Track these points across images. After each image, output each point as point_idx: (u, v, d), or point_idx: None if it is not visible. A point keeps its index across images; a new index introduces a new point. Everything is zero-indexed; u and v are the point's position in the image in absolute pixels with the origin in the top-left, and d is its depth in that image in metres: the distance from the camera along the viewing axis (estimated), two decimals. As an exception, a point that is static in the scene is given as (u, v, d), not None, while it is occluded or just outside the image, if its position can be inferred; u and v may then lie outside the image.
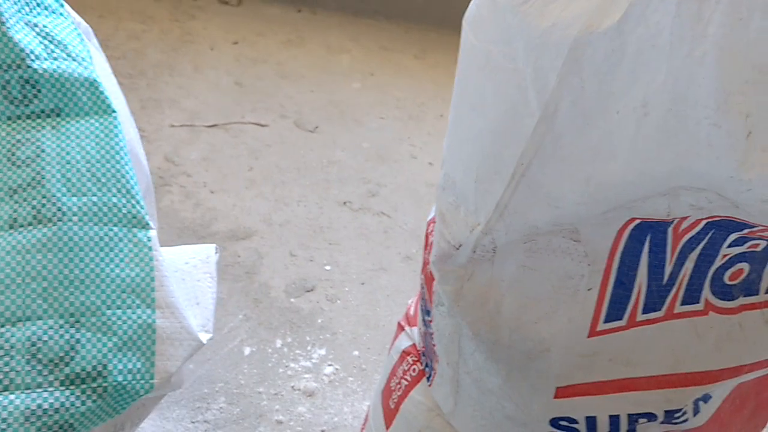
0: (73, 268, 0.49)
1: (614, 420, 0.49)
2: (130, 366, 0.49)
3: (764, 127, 0.34)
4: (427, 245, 0.53)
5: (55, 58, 0.52)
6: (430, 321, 0.54)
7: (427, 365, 0.58)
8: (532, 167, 0.39)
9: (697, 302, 0.45)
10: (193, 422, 0.80)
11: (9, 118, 0.51)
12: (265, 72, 1.39)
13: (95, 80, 0.54)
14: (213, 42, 1.44)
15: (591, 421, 0.49)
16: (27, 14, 0.53)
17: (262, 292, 0.97)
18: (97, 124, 0.53)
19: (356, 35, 1.52)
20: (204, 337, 0.53)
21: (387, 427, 0.62)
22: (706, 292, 0.45)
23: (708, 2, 0.32)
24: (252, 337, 0.91)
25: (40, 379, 0.46)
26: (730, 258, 0.44)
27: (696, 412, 0.50)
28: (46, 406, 0.46)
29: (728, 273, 0.45)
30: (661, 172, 0.37)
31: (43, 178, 0.50)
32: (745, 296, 0.46)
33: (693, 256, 0.43)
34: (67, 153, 0.51)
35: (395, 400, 0.62)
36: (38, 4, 0.54)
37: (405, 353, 0.63)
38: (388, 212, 1.13)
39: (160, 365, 0.49)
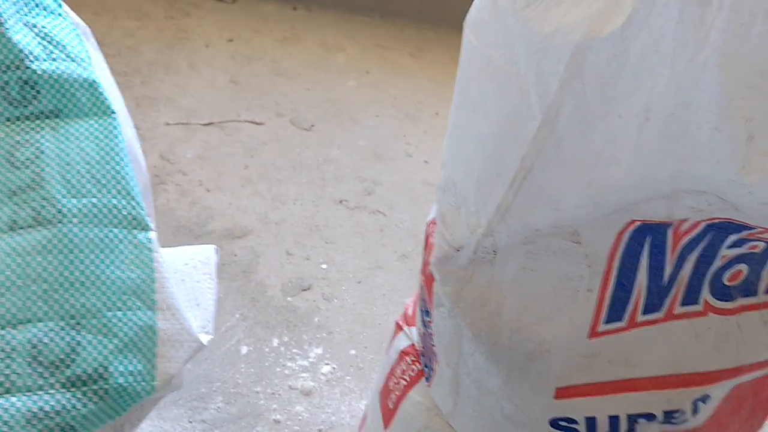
0: (74, 270, 0.49)
1: (614, 420, 0.49)
2: (131, 368, 0.49)
3: (765, 132, 0.34)
4: (428, 246, 0.53)
5: (54, 59, 0.52)
6: (430, 322, 0.54)
7: (426, 365, 0.58)
8: (533, 170, 0.39)
9: (696, 303, 0.46)
10: (190, 422, 0.80)
11: (8, 120, 0.51)
12: (261, 69, 1.38)
13: (94, 81, 0.54)
14: (208, 39, 1.44)
15: (590, 422, 0.49)
16: (26, 15, 0.53)
17: (258, 291, 0.97)
18: (96, 125, 0.52)
19: (352, 33, 1.52)
20: (204, 339, 0.53)
21: (385, 427, 0.63)
22: (705, 294, 0.46)
23: (710, 8, 0.33)
24: (249, 336, 0.91)
25: (41, 382, 0.46)
26: (729, 259, 0.44)
27: (695, 412, 0.50)
28: (47, 408, 0.46)
29: (727, 274, 0.45)
30: (662, 176, 0.37)
31: (43, 179, 0.50)
32: (743, 297, 0.46)
33: (692, 257, 0.44)
34: (67, 154, 0.51)
35: (394, 400, 0.62)
36: (37, 5, 0.54)
37: (404, 353, 0.63)
38: (384, 210, 1.13)
39: (161, 367, 0.49)
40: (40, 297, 0.48)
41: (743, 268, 0.45)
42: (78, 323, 0.48)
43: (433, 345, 0.55)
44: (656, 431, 0.50)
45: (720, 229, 0.42)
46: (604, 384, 0.48)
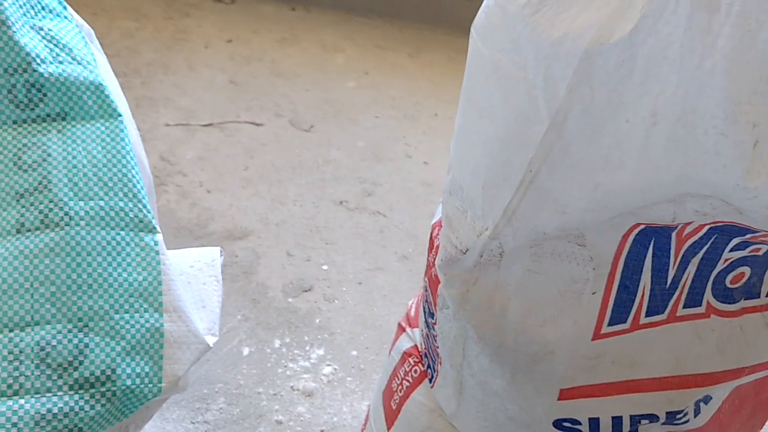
0: (81, 272, 0.49)
1: (617, 421, 0.50)
2: (138, 370, 0.49)
3: (771, 137, 0.35)
4: (432, 249, 0.54)
5: (61, 62, 0.52)
6: (434, 323, 0.54)
7: (429, 366, 0.58)
8: (540, 174, 0.39)
9: (699, 305, 0.46)
10: (193, 423, 0.80)
11: (15, 122, 0.51)
12: (260, 70, 1.38)
13: (101, 84, 0.54)
14: (207, 40, 1.44)
15: (594, 423, 0.50)
16: (32, 18, 0.53)
17: (259, 292, 0.97)
18: (103, 128, 0.53)
19: (351, 34, 1.52)
20: (210, 341, 0.53)
21: (388, 428, 0.63)
22: (708, 296, 0.46)
23: (718, 15, 0.33)
24: (250, 337, 0.91)
25: (49, 384, 0.46)
26: (731, 262, 0.45)
27: (697, 413, 0.51)
28: (55, 410, 0.46)
29: (730, 276, 0.45)
30: (668, 180, 0.37)
31: (50, 182, 0.50)
32: (746, 299, 0.47)
33: (696, 260, 0.44)
34: (74, 157, 0.51)
35: (397, 401, 0.62)
36: (43, 8, 0.54)
37: (406, 354, 0.63)
38: (383, 211, 1.13)
39: (168, 369, 0.49)
40: (48, 299, 0.48)
41: (746, 270, 0.45)
42: (85, 325, 0.48)
43: (436, 346, 0.55)
44: (659, 432, 0.51)
45: (723, 232, 0.42)
46: (608, 385, 0.48)
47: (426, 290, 0.56)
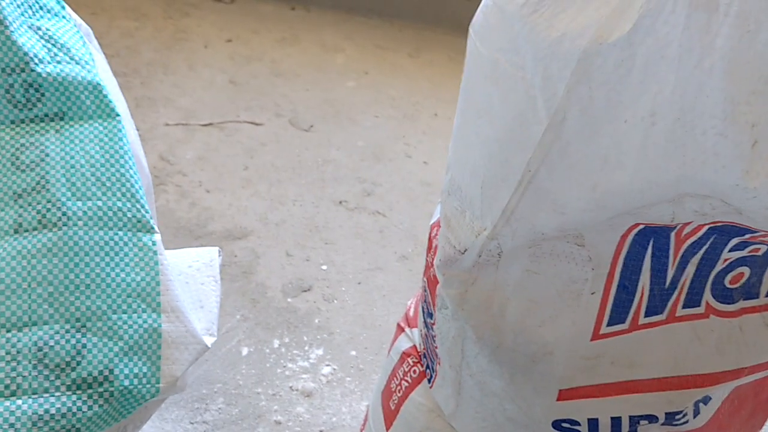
0: (79, 272, 0.49)
1: (616, 422, 0.50)
2: (136, 370, 0.49)
3: (770, 137, 0.35)
4: (431, 249, 0.54)
5: (59, 62, 0.52)
6: (433, 324, 0.54)
7: (428, 367, 0.58)
8: (539, 174, 0.39)
9: (699, 306, 0.46)
10: (192, 423, 0.80)
11: (13, 122, 0.51)
12: (260, 70, 1.38)
13: (99, 83, 0.54)
14: (207, 40, 1.44)
15: (593, 423, 0.50)
16: (30, 17, 0.53)
17: (259, 292, 0.97)
18: (101, 128, 0.53)
19: (350, 33, 1.52)
20: (208, 341, 0.53)
21: (387, 428, 0.63)
22: (707, 296, 0.46)
23: (716, 15, 0.33)
24: (250, 337, 0.91)
25: (47, 384, 0.46)
26: (730, 262, 0.44)
27: (696, 413, 0.50)
28: (53, 411, 0.46)
29: (729, 277, 0.45)
30: (667, 180, 0.37)
31: (48, 182, 0.50)
32: (745, 300, 0.47)
33: (695, 260, 0.44)
34: (72, 157, 0.51)
35: (395, 402, 0.62)
36: (41, 7, 0.54)
37: (405, 354, 0.63)
38: (383, 211, 1.13)
39: (166, 369, 0.49)
40: (45, 300, 0.48)
41: (745, 270, 0.45)
42: (83, 326, 0.48)
43: (435, 346, 0.55)
44: (658, 433, 0.51)
45: (723, 233, 0.42)
46: (607, 385, 0.48)
47: (425, 290, 0.56)
